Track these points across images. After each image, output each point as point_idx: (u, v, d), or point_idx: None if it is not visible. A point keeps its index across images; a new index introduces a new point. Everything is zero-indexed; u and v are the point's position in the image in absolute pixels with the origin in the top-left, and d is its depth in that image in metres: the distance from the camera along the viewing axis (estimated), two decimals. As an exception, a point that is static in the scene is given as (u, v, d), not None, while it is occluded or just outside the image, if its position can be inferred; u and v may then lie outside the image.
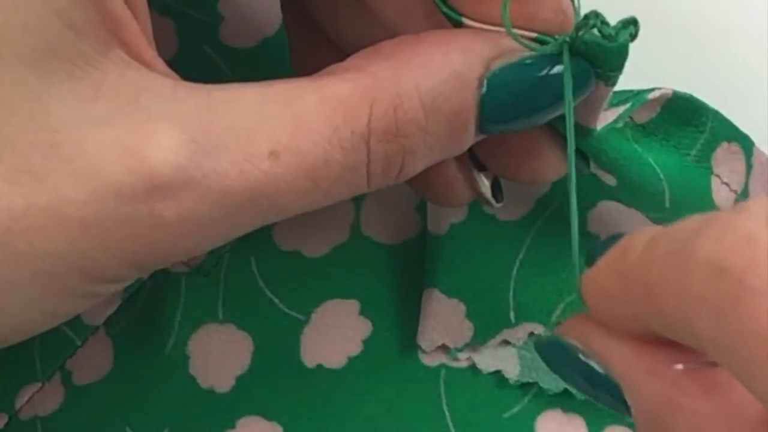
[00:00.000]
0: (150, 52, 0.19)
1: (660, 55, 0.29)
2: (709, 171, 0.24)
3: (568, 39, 0.20)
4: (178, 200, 0.17)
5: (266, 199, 0.18)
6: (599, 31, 0.20)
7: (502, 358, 0.26)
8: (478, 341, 0.26)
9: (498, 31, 0.20)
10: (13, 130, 0.17)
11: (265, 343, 0.27)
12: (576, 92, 0.20)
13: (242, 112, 0.18)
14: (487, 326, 0.26)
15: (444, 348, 0.27)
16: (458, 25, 0.21)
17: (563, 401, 0.26)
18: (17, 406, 0.26)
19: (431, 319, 0.26)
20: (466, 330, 0.26)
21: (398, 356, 0.27)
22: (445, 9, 0.21)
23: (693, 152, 0.24)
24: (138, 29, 0.18)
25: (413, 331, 0.27)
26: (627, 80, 0.21)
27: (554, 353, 0.20)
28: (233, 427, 0.26)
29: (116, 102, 0.18)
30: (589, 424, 0.26)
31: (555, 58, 0.20)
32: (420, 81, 0.19)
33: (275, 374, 0.27)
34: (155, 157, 0.17)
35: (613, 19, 0.20)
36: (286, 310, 0.27)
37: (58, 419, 0.26)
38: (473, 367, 0.27)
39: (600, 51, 0.20)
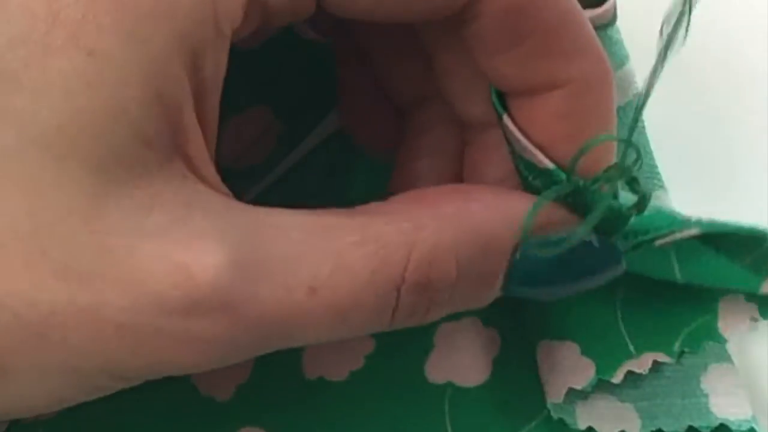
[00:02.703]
0: (209, 168, 0.19)
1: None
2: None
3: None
4: (213, 320, 0.18)
5: (296, 329, 0.19)
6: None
7: (622, 417, 0.26)
8: (602, 376, 0.25)
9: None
10: (66, 229, 0.17)
11: (266, 355, 0.27)
12: (603, 273, 0.21)
13: (287, 242, 0.19)
14: (607, 360, 0.26)
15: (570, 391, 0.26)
16: (498, 116, 0.21)
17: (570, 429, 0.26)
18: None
19: (553, 371, 0.26)
20: (587, 368, 0.26)
21: (402, 372, 0.27)
22: (494, 99, 0.21)
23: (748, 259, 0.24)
24: (203, 143, 0.19)
25: (417, 350, 0.27)
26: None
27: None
28: None
29: (170, 215, 0.18)
30: None
31: (592, 244, 0.21)
32: (459, 240, 0.20)
33: (276, 385, 0.27)
34: (201, 276, 0.18)
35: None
36: None
37: (59, 423, 0.26)
38: (479, 387, 0.27)
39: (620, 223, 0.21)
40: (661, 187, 0.28)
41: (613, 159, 0.21)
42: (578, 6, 0.21)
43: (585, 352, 0.26)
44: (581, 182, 0.20)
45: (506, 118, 0.21)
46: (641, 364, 0.25)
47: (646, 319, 0.26)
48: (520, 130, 0.21)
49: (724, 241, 0.23)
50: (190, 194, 0.18)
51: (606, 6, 0.27)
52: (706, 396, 0.26)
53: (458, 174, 0.24)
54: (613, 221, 0.21)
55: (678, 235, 0.22)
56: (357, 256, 0.19)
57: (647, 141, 0.28)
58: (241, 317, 0.18)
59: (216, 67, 0.19)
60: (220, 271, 0.18)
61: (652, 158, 0.28)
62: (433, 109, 0.25)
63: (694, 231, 0.22)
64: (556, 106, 0.21)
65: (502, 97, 0.22)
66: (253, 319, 0.18)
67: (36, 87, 0.17)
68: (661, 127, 0.28)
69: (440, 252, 0.20)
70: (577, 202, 0.21)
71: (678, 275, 0.24)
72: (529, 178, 0.22)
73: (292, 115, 0.27)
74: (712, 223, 0.23)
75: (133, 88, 0.18)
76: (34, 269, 0.17)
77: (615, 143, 0.21)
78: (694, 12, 0.20)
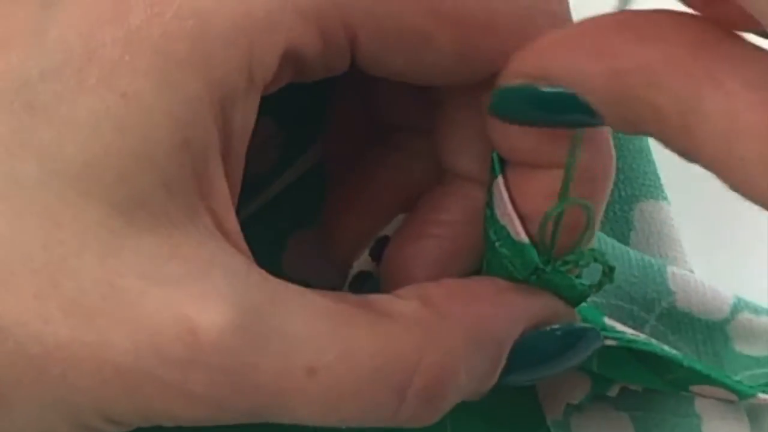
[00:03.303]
0: (233, 223, 0.19)
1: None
2: None
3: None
4: (210, 379, 0.18)
5: (289, 406, 0.19)
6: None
7: (617, 425, 0.26)
8: (598, 390, 0.26)
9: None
10: (80, 264, 0.17)
11: None
12: (586, 348, 0.22)
13: (298, 319, 0.19)
14: (603, 376, 0.26)
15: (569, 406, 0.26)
16: (491, 177, 0.22)
17: None
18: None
19: (551, 389, 0.26)
20: (584, 383, 0.26)
21: None
22: (495, 160, 0.21)
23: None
24: (228, 197, 0.19)
25: None
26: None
27: (510, 104, 0.20)
28: None
29: (188, 267, 0.18)
30: None
31: (582, 329, 0.22)
32: (468, 344, 0.20)
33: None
34: (204, 333, 0.18)
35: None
36: None
37: None
38: (479, 402, 0.27)
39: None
40: (665, 198, 0.28)
41: (593, 239, 0.22)
42: None
43: (582, 367, 0.26)
44: (556, 264, 0.21)
45: (500, 181, 0.21)
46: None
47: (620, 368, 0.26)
48: (514, 196, 0.21)
49: (646, 357, 0.24)
50: (212, 251, 0.18)
51: None
52: (699, 418, 0.26)
53: (406, 202, 0.24)
54: (575, 298, 0.22)
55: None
56: (363, 349, 0.19)
57: (649, 149, 0.28)
58: (237, 381, 0.18)
59: (245, 118, 0.19)
60: (226, 333, 0.18)
61: (654, 167, 0.28)
62: (415, 144, 0.24)
63: (610, 342, 0.23)
64: (552, 186, 0.21)
65: (501, 160, 0.22)
66: (250, 387, 0.18)
67: (65, 122, 0.17)
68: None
69: (450, 358, 0.20)
70: (541, 278, 0.21)
71: (594, 367, 0.25)
72: (495, 244, 0.22)
73: (294, 126, 0.27)
74: (631, 340, 0.23)
75: (162, 134, 0.18)
76: (44, 301, 0.17)
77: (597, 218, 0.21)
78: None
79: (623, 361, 0.24)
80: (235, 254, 0.19)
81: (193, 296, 0.18)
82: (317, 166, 0.28)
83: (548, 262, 0.21)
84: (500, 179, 0.21)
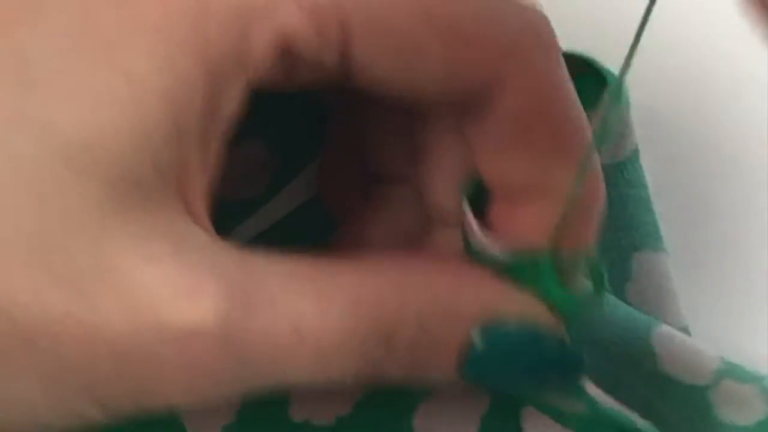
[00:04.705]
0: (200, 206, 0.19)
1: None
2: None
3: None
4: (207, 349, 0.18)
5: (279, 368, 0.19)
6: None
7: None
8: None
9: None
10: (73, 241, 0.18)
11: (253, 397, 0.27)
12: (560, 375, 0.22)
13: (274, 284, 0.19)
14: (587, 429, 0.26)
15: None
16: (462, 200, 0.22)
17: None
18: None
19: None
20: None
21: (389, 421, 0.26)
22: (464, 187, 0.22)
23: None
24: (201, 181, 0.19)
25: (406, 400, 0.26)
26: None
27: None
28: None
29: (164, 245, 0.18)
30: None
31: (561, 344, 0.21)
32: (425, 304, 0.20)
33: (262, 426, 0.26)
34: (201, 302, 0.18)
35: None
36: None
37: None
38: None
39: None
40: (663, 249, 0.28)
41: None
42: (576, 98, 0.21)
43: (567, 423, 0.25)
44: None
45: (465, 204, 0.22)
46: None
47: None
48: (496, 226, 0.21)
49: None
50: (181, 229, 0.19)
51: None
52: None
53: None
54: (566, 307, 0.22)
55: None
56: (337, 306, 0.19)
57: (649, 199, 0.27)
58: (233, 348, 0.18)
59: (231, 106, 0.19)
60: (219, 301, 0.18)
61: (654, 216, 0.27)
62: (405, 190, 0.25)
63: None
64: (542, 218, 0.21)
65: (479, 190, 0.22)
66: (244, 352, 0.18)
67: (63, 99, 0.17)
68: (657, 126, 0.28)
69: (406, 310, 0.20)
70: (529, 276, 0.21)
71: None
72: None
73: (286, 152, 0.27)
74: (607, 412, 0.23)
75: (158, 115, 0.18)
76: (35, 276, 0.17)
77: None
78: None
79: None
80: (202, 232, 0.19)
81: (179, 271, 0.18)
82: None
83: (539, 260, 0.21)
84: (465, 203, 0.21)
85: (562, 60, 0.21)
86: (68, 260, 0.17)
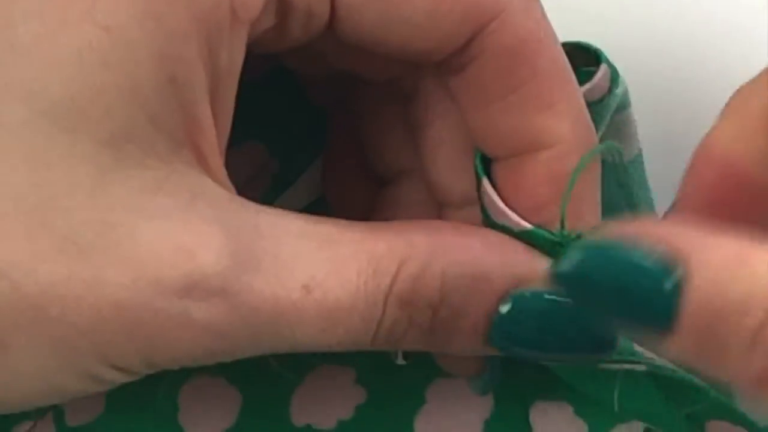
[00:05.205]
0: (216, 161, 0.19)
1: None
2: None
3: None
4: (210, 305, 0.18)
5: (288, 327, 0.19)
6: None
7: None
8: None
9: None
10: (70, 202, 0.17)
11: (254, 400, 0.27)
12: (590, 352, 0.21)
13: (286, 241, 0.19)
14: (600, 420, 0.25)
15: None
16: (478, 182, 0.21)
17: None
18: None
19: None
20: (580, 428, 0.25)
21: (391, 425, 0.26)
22: (477, 162, 0.21)
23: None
24: (214, 135, 0.19)
25: (407, 404, 0.26)
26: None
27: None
28: None
29: (174, 199, 0.18)
30: None
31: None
32: (450, 267, 0.20)
33: (262, 430, 0.27)
34: (201, 258, 0.18)
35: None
36: (280, 371, 0.27)
37: None
38: None
39: None
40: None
41: (597, 219, 0.21)
42: (566, 60, 0.21)
43: (578, 412, 0.25)
44: (571, 236, 0.20)
45: (485, 182, 0.21)
46: (632, 428, 0.25)
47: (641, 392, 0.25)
48: (504, 197, 0.21)
49: (670, 386, 0.23)
50: (194, 183, 0.19)
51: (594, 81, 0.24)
52: None
53: None
54: None
55: (626, 366, 0.22)
56: (351, 264, 0.19)
57: (651, 200, 0.27)
58: (236, 305, 0.18)
59: (232, 57, 0.19)
60: (221, 256, 0.18)
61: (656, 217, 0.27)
62: (411, 185, 0.25)
63: (641, 367, 0.22)
64: (543, 169, 0.21)
65: (485, 163, 0.22)
66: (249, 309, 0.18)
67: (48, 61, 0.17)
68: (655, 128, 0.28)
69: (428, 272, 0.20)
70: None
71: (615, 405, 0.24)
72: None
73: (286, 155, 0.27)
74: (661, 366, 0.22)
75: (146, 68, 0.18)
76: (36, 240, 0.17)
77: (598, 203, 0.21)
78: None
79: (646, 390, 0.23)
80: (216, 186, 0.19)
81: (184, 225, 0.18)
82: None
83: (562, 237, 0.20)
84: (485, 181, 0.21)
85: (543, 9, 0.21)
86: (67, 221, 0.17)
